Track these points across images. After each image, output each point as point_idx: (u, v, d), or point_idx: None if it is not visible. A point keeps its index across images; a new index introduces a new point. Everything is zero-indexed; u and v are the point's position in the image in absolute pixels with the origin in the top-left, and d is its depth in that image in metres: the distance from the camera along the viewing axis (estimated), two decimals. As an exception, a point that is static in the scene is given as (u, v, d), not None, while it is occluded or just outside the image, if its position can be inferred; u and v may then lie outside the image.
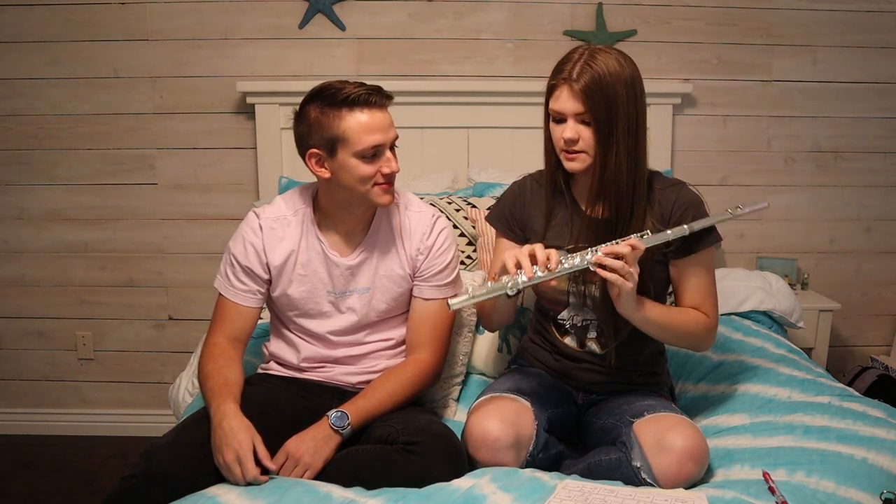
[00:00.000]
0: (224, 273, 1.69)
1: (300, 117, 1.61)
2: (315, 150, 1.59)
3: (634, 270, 1.46)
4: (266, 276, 1.68)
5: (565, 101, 1.53)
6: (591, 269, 1.47)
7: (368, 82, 1.60)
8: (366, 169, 1.57)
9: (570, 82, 1.51)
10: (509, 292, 1.44)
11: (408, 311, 1.75)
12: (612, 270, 1.45)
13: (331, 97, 1.56)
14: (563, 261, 1.47)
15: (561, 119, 1.55)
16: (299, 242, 1.68)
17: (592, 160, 1.56)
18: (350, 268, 1.68)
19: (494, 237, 1.82)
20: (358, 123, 1.54)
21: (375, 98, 1.56)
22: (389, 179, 1.61)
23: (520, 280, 1.44)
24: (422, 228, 1.71)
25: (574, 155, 1.56)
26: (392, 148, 1.62)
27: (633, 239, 1.49)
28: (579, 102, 1.51)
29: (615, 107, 1.51)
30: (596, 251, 1.48)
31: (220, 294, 1.69)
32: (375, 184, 1.59)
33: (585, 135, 1.54)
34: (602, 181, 1.56)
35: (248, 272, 1.66)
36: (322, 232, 1.69)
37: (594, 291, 1.63)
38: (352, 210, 1.66)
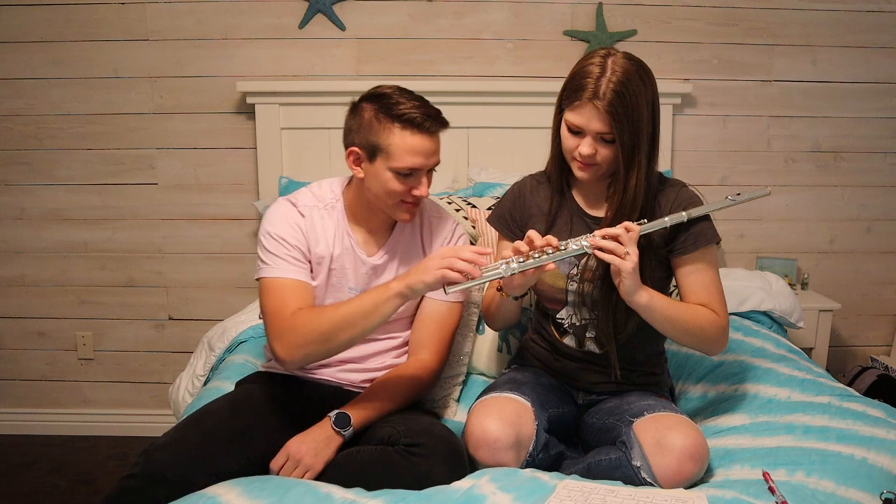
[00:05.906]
0: (271, 258, 1.62)
1: (354, 110, 1.62)
2: (355, 149, 1.60)
3: (632, 251, 1.46)
4: (308, 263, 1.66)
5: (589, 118, 1.50)
6: (589, 251, 1.48)
7: (425, 99, 1.60)
8: (397, 185, 1.58)
9: (595, 100, 1.48)
10: (505, 275, 1.46)
11: (415, 312, 1.75)
12: (610, 252, 1.46)
13: (388, 107, 1.56)
14: (560, 246, 1.48)
15: (578, 132, 1.54)
16: (334, 236, 1.68)
17: (604, 172, 1.56)
18: (374, 267, 1.69)
19: (496, 239, 1.82)
20: (404, 143, 1.55)
21: (430, 124, 1.56)
22: (416, 201, 1.62)
23: (514, 264, 1.46)
24: (444, 234, 1.74)
25: (588, 167, 1.56)
26: (430, 172, 1.62)
27: (628, 223, 1.50)
28: (604, 124, 1.49)
29: (640, 129, 1.50)
30: (592, 235, 1.49)
31: (273, 279, 1.61)
32: (403, 201, 1.61)
33: (603, 152, 1.53)
34: (623, 200, 1.55)
35: (300, 251, 1.64)
36: (351, 228, 1.70)
37: (592, 290, 1.63)
38: (376, 212, 1.67)
